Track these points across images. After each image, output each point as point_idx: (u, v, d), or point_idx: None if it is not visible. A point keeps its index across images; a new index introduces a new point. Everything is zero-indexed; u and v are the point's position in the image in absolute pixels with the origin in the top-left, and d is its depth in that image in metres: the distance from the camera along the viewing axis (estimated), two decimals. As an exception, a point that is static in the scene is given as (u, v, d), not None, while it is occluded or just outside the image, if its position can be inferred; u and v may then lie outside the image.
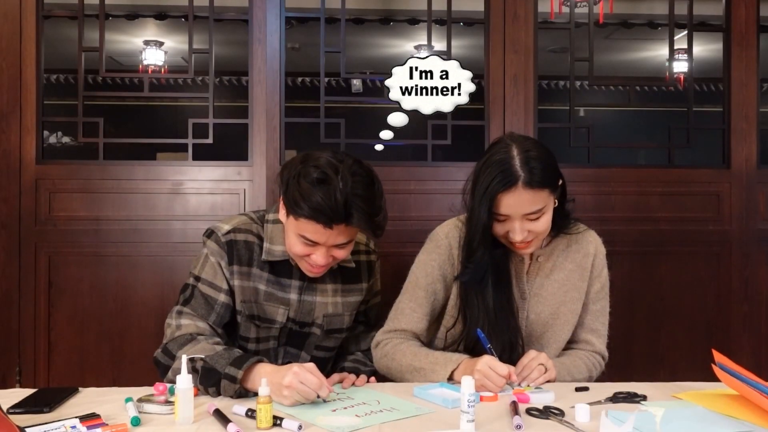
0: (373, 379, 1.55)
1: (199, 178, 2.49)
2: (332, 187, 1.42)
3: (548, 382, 1.50)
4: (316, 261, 1.51)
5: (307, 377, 1.31)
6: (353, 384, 1.51)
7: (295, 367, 1.33)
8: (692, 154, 2.75)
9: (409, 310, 1.66)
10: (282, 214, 1.55)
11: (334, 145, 2.59)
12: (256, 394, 1.22)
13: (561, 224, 1.67)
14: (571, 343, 1.73)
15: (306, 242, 1.49)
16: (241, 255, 1.58)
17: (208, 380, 1.39)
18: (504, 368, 1.42)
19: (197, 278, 1.59)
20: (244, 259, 1.58)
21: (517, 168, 1.48)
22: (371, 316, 1.80)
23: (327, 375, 1.68)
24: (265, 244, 1.59)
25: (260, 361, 1.41)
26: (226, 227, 1.59)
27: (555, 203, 1.58)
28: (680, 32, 3.10)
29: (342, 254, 1.54)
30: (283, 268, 1.62)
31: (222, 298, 1.57)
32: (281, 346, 1.66)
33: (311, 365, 1.35)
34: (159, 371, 1.53)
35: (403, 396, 1.41)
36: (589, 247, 1.70)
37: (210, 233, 1.60)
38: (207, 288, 1.57)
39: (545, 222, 1.54)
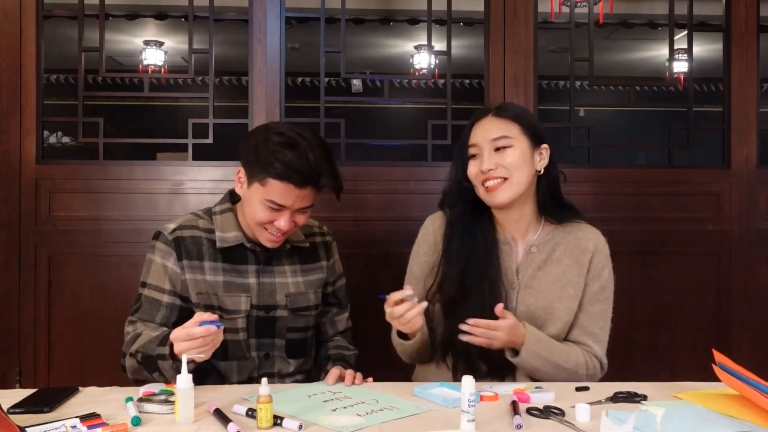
0: (370, 379, 1.55)
1: (199, 178, 2.49)
2: (303, 150, 1.50)
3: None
4: (280, 226, 1.55)
5: (189, 333, 1.35)
6: (353, 382, 1.52)
7: (175, 332, 1.38)
8: (692, 154, 2.75)
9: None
10: (241, 187, 1.59)
11: (334, 145, 2.59)
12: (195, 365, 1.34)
13: (557, 214, 1.65)
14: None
15: (272, 207, 1.53)
16: (189, 250, 1.62)
17: (150, 367, 1.47)
18: (394, 294, 1.45)
19: (143, 285, 1.64)
20: (193, 254, 1.62)
21: (492, 105, 1.65)
22: (341, 297, 1.84)
23: (311, 357, 1.77)
24: (217, 234, 1.63)
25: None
26: (172, 226, 1.64)
27: (539, 165, 1.59)
28: (680, 32, 3.11)
29: (302, 220, 1.59)
30: (238, 255, 1.65)
31: (165, 299, 1.61)
32: (252, 338, 1.66)
33: (185, 355, 1.34)
34: (125, 375, 1.59)
35: (403, 395, 1.41)
36: (588, 243, 1.65)
37: (157, 234, 1.64)
38: (152, 291, 1.62)
39: (513, 157, 1.56)
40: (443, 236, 1.66)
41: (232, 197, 1.70)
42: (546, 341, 1.56)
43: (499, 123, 1.58)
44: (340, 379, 1.54)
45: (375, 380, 1.55)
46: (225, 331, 1.60)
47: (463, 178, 1.62)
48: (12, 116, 2.46)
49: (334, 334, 1.82)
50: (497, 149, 1.57)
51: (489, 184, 1.57)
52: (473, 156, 1.60)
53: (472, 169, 1.60)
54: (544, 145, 1.62)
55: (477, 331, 1.47)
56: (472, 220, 1.63)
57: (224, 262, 1.63)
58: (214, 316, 1.38)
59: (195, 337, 1.34)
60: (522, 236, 1.65)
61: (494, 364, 1.58)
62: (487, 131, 1.58)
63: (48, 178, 2.47)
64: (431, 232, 1.71)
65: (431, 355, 1.67)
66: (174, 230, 1.63)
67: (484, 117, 1.61)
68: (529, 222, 1.65)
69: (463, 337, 1.48)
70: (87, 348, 2.46)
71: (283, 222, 1.55)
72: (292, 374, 1.71)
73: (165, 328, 1.58)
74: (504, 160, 1.56)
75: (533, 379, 1.58)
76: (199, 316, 1.38)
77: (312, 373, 1.79)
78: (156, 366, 1.46)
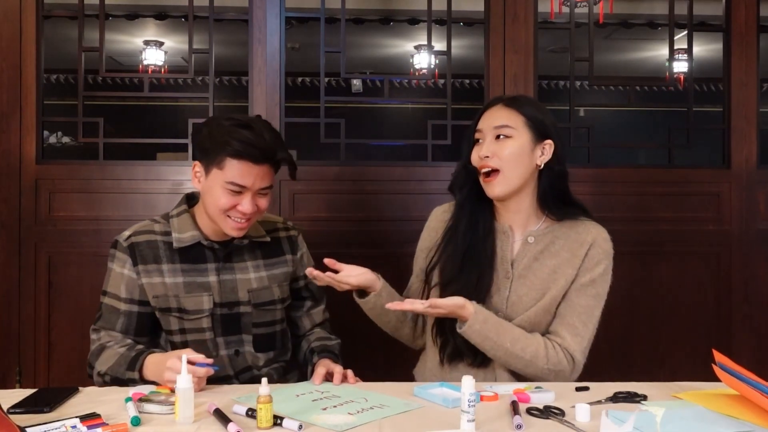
0: (357, 380, 1.56)
1: (199, 178, 2.49)
2: (257, 129, 1.56)
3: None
4: (244, 209, 1.56)
5: (175, 368, 1.37)
6: (344, 380, 1.52)
7: (169, 362, 1.41)
8: (692, 154, 2.75)
9: (411, 282, 1.76)
10: (199, 181, 1.62)
11: (334, 145, 2.59)
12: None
13: (557, 210, 1.63)
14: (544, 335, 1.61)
15: (233, 190, 1.55)
16: (144, 255, 1.64)
17: (121, 386, 1.50)
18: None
19: (104, 293, 1.68)
20: (149, 258, 1.64)
21: (507, 95, 1.71)
22: (314, 290, 1.84)
23: (285, 349, 1.78)
24: (174, 235, 1.64)
25: (151, 353, 1.53)
26: (127, 233, 1.67)
27: (540, 159, 1.59)
28: (680, 32, 3.11)
29: (264, 203, 1.61)
30: (197, 254, 1.66)
31: (123, 307, 1.64)
32: (219, 336, 1.67)
33: (184, 354, 1.37)
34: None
35: (402, 395, 1.41)
36: (587, 237, 1.61)
37: (114, 243, 1.67)
38: (111, 300, 1.66)
39: (510, 149, 1.56)
40: (450, 217, 1.69)
41: (189, 201, 1.71)
42: (496, 324, 1.52)
43: (506, 112, 1.60)
44: (328, 377, 1.54)
45: (374, 380, 1.55)
46: (190, 331, 1.66)
47: (468, 162, 1.63)
48: (12, 116, 2.46)
49: (312, 326, 1.83)
50: (498, 137, 1.59)
51: (483, 171, 1.60)
52: (477, 141, 1.62)
53: (474, 154, 1.62)
54: (548, 141, 1.60)
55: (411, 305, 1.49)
56: (476, 206, 1.66)
57: (183, 262, 1.64)
58: (210, 360, 1.42)
59: (197, 375, 1.38)
60: (520, 227, 1.65)
61: (479, 351, 1.57)
62: (493, 118, 1.60)
63: (48, 178, 2.47)
64: (433, 219, 1.76)
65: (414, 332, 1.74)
66: (129, 237, 1.65)
67: (496, 105, 1.63)
68: (528, 215, 1.64)
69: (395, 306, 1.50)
70: (87, 348, 2.42)
71: (246, 205, 1.56)
72: (268, 365, 1.72)
73: (130, 341, 1.62)
74: (501, 151, 1.57)
75: (515, 374, 1.58)
76: (192, 355, 1.40)
77: (294, 366, 1.79)
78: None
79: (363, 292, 1.63)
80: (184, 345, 1.64)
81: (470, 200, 1.65)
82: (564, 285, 1.59)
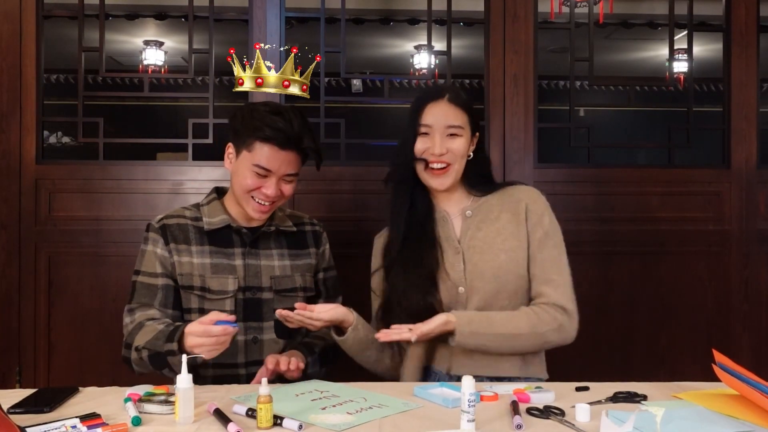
0: (300, 365, 1.58)
1: (199, 178, 2.49)
2: (288, 117, 1.63)
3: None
4: (267, 192, 1.63)
5: (200, 332, 1.41)
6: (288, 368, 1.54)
7: (188, 327, 1.44)
8: (692, 154, 2.75)
9: (373, 321, 1.76)
10: (230, 162, 1.70)
11: (334, 145, 2.59)
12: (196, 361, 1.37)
13: (484, 189, 1.73)
14: (530, 301, 1.66)
15: (259, 172, 1.63)
16: (175, 235, 1.70)
17: (159, 364, 1.52)
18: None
19: (137, 272, 1.71)
20: (180, 239, 1.70)
21: (444, 88, 1.73)
22: (329, 286, 1.88)
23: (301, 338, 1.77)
24: (204, 219, 1.72)
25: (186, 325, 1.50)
26: (159, 217, 1.75)
27: (470, 150, 1.70)
28: (680, 32, 3.11)
29: (288, 190, 1.68)
30: (224, 238, 1.72)
31: (160, 281, 1.68)
32: (240, 322, 1.67)
33: (211, 316, 1.42)
34: (130, 368, 1.62)
35: (402, 395, 1.41)
36: (520, 195, 1.71)
37: (147, 226, 1.75)
38: (146, 278, 1.69)
39: (460, 145, 1.66)
40: (391, 209, 1.74)
41: (218, 191, 1.79)
42: (482, 318, 1.57)
43: (454, 111, 1.67)
44: (273, 373, 1.55)
45: (374, 381, 1.54)
46: (201, 310, 1.66)
47: (413, 155, 1.68)
48: (12, 116, 2.46)
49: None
50: (449, 135, 1.66)
51: (435, 166, 1.66)
52: (423, 134, 1.68)
53: (420, 145, 1.67)
54: (477, 134, 1.73)
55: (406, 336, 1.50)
56: (413, 191, 1.72)
57: (211, 245, 1.70)
58: (231, 317, 1.43)
59: (211, 335, 1.39)
60: (454, 208, 1.73)
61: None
62: (444, 117, 1.66)
63: (48, 178, 2.47)
64: (378, 246, 1.81)
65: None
66: (161, 219, 1.73)
67: (439, 100, 1.68)
68: (459, 197, 1.74)
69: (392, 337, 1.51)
70: (87, 348, 2.46)
71: (270, 188, 1.63)
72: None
73: (168, 321, 1.61)
74: (453, 146, 1.66)
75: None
76: (216, 315, 1.43)
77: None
78: (165, 363, 1.49)
79: (339, 330, 1.63)
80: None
81: (407, 187, 1.71)
82: (518, 245, 1.66)
